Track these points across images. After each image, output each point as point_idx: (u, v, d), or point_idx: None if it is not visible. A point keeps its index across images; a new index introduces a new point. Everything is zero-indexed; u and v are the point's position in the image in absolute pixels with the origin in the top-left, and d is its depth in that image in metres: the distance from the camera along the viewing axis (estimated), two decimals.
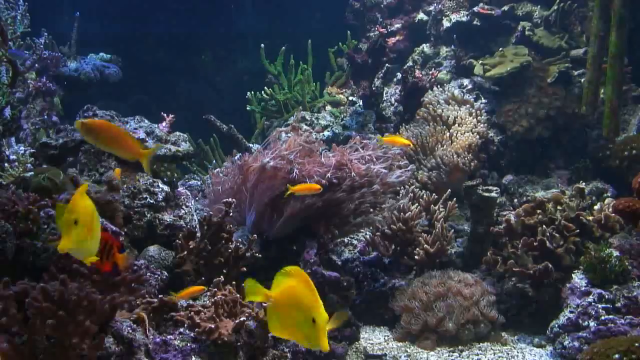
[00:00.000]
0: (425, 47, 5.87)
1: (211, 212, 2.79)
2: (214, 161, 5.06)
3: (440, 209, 3.68)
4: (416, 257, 3.50)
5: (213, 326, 2.13)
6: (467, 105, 4.69)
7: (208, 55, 7.39)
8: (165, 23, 7.31)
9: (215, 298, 2.23)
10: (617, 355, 2.22)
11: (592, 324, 2.80)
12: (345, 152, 3.02)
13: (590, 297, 2.89)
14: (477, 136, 4.41)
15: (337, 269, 3.08)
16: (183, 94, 7.38)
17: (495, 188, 3.70)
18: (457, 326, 3.10)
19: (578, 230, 3.26)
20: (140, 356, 1.98)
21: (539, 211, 3.40)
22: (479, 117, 4.57)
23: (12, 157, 2.95)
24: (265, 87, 5.74)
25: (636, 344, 2.22)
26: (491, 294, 3.25)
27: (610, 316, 2.79)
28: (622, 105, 4.69)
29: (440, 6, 5.84)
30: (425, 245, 3.50)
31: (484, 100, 4.91)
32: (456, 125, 4.51)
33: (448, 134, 4.48)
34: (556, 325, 2.96)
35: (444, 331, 3.11)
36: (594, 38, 4.45)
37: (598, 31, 4.39)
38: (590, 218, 3.36)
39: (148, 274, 2.45)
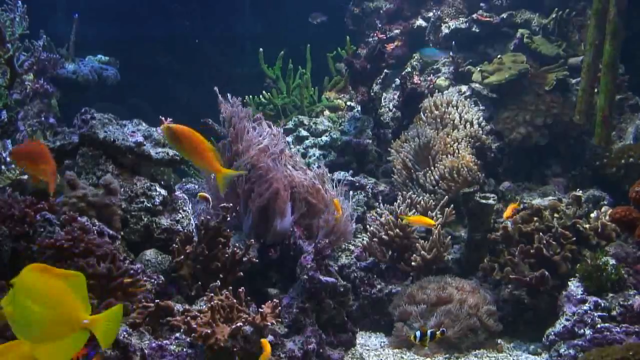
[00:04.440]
0: None
1: (208, 217, 2.78)
2: None
3: (438, 216, 3.69)
4: (413, 263, 3.49)
5: (209, 331, 2.12)
6: (469, 111, 4.66)
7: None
8: (163, 26, 7.31)
9: (212, 303, 2.22)
10: None
11: (587, 332, 2.80)
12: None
13: (587, 305, 2.89)
14: (479, 145, 4.35)
15: (333, 274, 3.07)
16: (181, 97, 7.37)
17: (492, 195, 3.70)
18: (456, 334, 3.09)
19: (575, 238, 3.27)
20: None
21: (536, 219, 3.41)
22: (480, 124, 4.54)
23: (9, 159, 2.94)
24: (264, 92, 5.74)
25: (631, 353, 2.22)
26: (491, 303, 3.24)
27: (606, 324, 2.79)
28: (619, 113, 4.72)
29: (439, 13, 5.87)
30: (422, 252, 3.50)
31: (481, 107, 4.92)
32: (462, 129, 4.44)
33: (457, 139, 4.37)
34: (552, 333, 2.96)
35: (442, 338, 3.09)
36: (589, 46, 4.47)
37: (594, 40, 4.41)
38: (587, 226, 3.36)
39: (144, 278, 2.44)
